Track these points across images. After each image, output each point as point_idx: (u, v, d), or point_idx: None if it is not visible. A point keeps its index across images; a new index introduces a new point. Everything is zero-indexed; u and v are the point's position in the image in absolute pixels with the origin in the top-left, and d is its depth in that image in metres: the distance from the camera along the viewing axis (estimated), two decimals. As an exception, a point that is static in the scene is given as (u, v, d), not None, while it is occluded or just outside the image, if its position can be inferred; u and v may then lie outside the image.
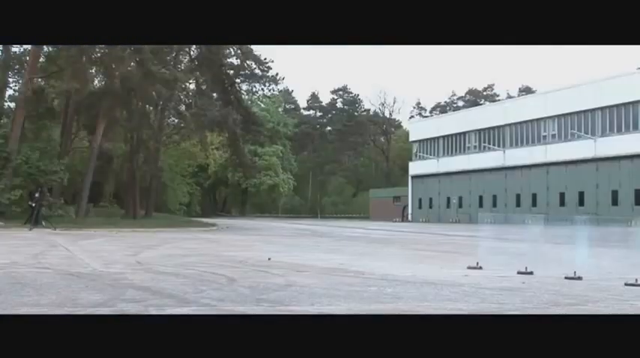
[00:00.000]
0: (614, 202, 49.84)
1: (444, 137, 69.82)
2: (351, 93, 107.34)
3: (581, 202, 52.50)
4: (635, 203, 47.68)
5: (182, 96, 45.58)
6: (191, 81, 46.06)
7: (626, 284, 10.50)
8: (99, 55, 36.98)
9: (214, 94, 46.19)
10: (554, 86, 67.37)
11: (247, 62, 46.01)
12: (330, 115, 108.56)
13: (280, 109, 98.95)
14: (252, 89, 52.67)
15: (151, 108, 45.87)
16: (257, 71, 46.87)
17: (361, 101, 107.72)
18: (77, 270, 11.12)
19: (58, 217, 33.89)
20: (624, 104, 49.18)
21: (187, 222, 43.73)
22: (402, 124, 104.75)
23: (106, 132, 42.49)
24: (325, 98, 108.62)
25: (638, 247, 13.32)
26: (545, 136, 57.12)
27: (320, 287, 9.36)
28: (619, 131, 50.02)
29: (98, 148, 41.08)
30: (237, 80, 47.29)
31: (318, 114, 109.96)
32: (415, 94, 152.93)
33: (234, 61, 46.21)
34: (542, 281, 10.98)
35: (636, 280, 10.58)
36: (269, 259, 14.34)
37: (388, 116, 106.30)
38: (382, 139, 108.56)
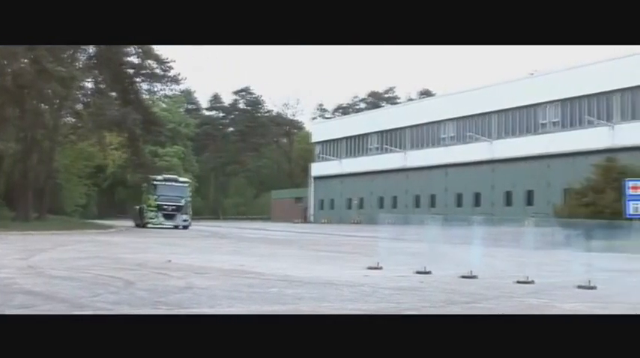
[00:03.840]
0: (508, 203, 51.63)
1: (346, 138, 70.56)
2: (254, 94, 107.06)
3: (478, 203, 54.12)
4: (526, 203, 49.55)
5: (79, 95, 44.27)
6: (89, 79, 44.81)
7: (517, 282, 10.91)
8: (-11, 50, 35.47)
9: (113, 93, 45.10)
10: (453, 89, 69.32)
11: (148, 61, 45.15)
12: (232, 116, 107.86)
13: (182, 110, 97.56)
14: (152, 89, 51.67)
15: (47, 106, 44.33)
16: (158, 70, 46.04)
17: (264, 102, 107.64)
18: (-37, 275, 10.60)
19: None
20: (519, 108, 51.04)
21: (84, 224, 42.50)
22: (304, 126, 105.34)
23: (-4, 131, 40.77)
24: (227, 99, 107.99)
25: (528, 246, 13.83)
26: (444, 138, 58.59)
27: (220, 289, 9.27)
28: (514, 134, 51.85)
29: (-13, 148, 39.37)
30: (138, 79, 46.30)
31: (220, 114, 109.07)
32: (318, 96, 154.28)
33: (135, 59, 45.27)
34: (440, 281, 11.25)
35: (527, 278, 11.00)
36: (168, 261, 14.12)
37: (291, 117, 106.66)
38: (285, 140, 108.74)
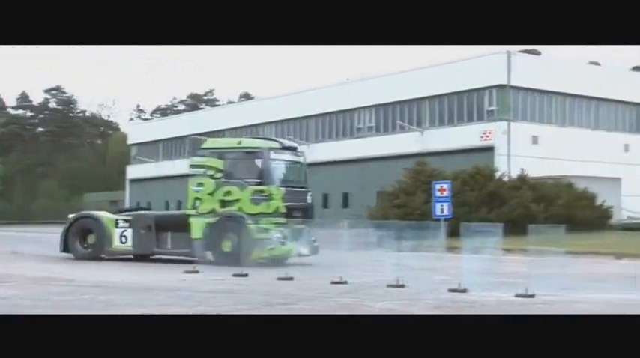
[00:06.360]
0: (325, 205, 52.84)
1: (163, 140, 69.35)
2: (66, 93, 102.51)
3: (296, 205, 55.06)
4: (343, 206, 51.01)
5: None
6: None
7: (332, 283, 11.19)
8: None
9: None
10: (272, 93, 70.01)
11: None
12: (42, 115, 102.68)
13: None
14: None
15: None
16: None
17: (77, 102, 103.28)
18: None
19: None
20: (336, 112, 52.45)
21: None
22: (120, 127, 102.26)
23: None
24: (37, 98, 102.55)
25: (344, 248, 14.29)
26: (263, 141, 59.06)
27: (25, 298, 8.76)
28: (331, 137, 53.19)
29: None
30: None
31: (29, 114, 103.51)
32: (136, 97, 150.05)
33: None
34: (257, 283, 11.32)
35: (341, 278, 11.32)
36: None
37: (106, 118, 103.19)
38: (99, 141, 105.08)
